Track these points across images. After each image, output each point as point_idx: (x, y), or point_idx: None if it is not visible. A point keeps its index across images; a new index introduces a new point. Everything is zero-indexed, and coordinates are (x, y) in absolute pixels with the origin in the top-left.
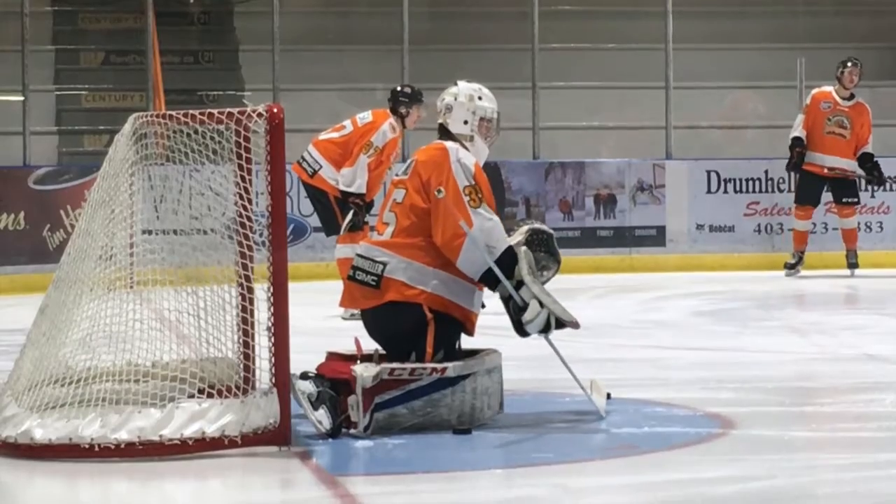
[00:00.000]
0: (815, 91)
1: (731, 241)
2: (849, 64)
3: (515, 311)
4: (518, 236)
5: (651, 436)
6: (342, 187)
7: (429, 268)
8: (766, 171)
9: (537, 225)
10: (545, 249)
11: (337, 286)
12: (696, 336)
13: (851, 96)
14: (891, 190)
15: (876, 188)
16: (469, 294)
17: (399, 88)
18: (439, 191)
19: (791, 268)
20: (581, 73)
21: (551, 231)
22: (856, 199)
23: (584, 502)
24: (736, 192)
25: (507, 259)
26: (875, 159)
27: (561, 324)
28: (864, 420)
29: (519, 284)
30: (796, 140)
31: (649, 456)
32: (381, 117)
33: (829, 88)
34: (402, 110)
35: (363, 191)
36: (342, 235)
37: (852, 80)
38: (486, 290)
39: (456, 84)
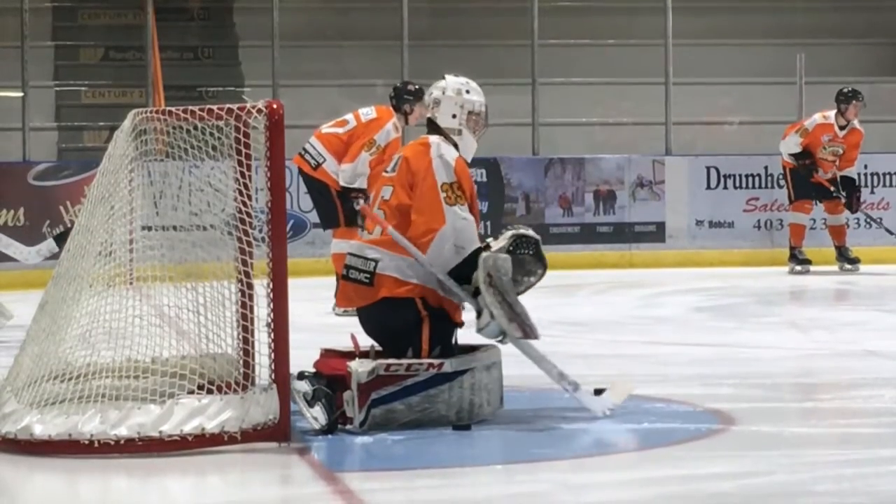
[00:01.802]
0: (819, 120)
1: (730, 236)
2: (855, 101)
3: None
4: (502, 241)
5: (651, 432)
6: (343, 183)
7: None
8: (766, 167)
9: (523, 230)
10: (532, 252)
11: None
12: (695, 332)
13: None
14: (891, 185)
15: (850, 214)
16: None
17: (402, 86)
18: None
19: (805, 262)
20: (580, 69)
21: (537, 237)
22: (840, 195)
23: (584, 498)
24: (735, 187)
25: (472, 261)
26: (857, 184)
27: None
28: (864, 416)
29: (476, 291)
30: (802, 154)
31: (649, 452)
32: (385, 115)
33: (831, 119)
34: (406, 108)
35: (364, 186)
36: (340, 230)
37: (856, 115)
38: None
39: (444, 78)
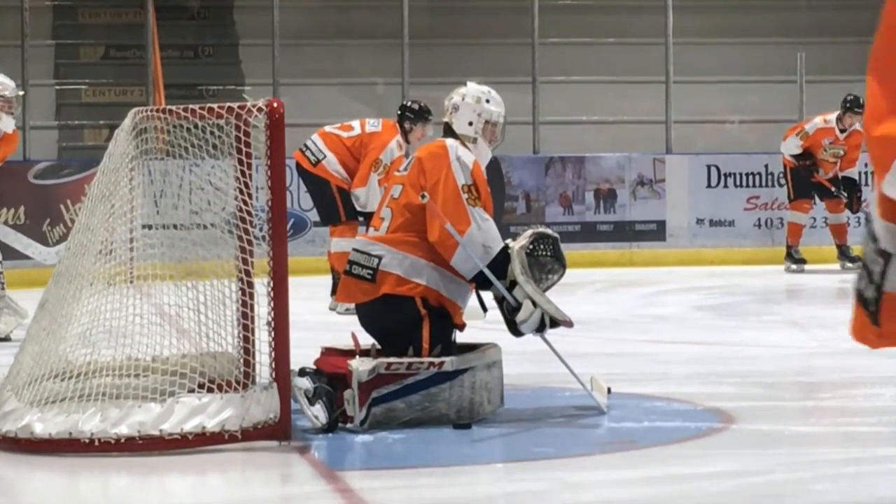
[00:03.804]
0: (819, 125)
1: (731, 235)
2: (852, 112)
3: (509, 311)
4: (522, 240)
5: (651, 430)
6: (359, 208)
7: (423, 261)
8: (766, 166)
9: (542, 229)
10: (551, 253)
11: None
12: (696, 330)
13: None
14: None
15: (851, 213)
16: (461, 290)
17: (407, 104)
18: (423, 195)
19: (800, 262)
20: (581, 68)
21: (556, 235)
22: (841, 195)
23: (584, 496)
24: (736, 186)
25: (501, 259)
26: (858, 184)
27: (555, 322)
28: (864, 414)
29: (512, 284)
30: (802, 154)
31: (649, 450)
32: (389, 132)
33: (832, 122)
34: (407, 126)
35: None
36: (336, 228)
37: (852, 124)
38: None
39: (465, 84)
